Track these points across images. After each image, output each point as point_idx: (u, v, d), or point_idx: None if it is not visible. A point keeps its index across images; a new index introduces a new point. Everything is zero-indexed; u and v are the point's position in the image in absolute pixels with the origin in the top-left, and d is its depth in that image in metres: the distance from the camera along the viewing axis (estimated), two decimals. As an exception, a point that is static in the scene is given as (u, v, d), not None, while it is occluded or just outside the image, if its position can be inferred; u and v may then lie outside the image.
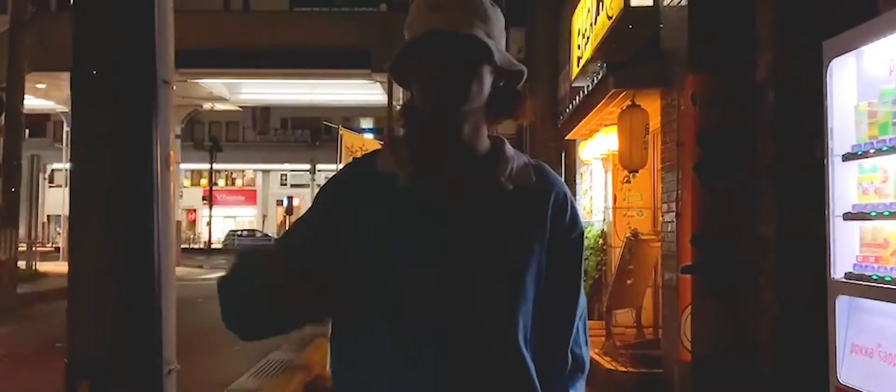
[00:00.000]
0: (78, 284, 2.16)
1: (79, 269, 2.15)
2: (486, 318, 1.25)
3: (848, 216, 2.82)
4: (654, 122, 6.34)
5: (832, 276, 2.89)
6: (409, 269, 1.24)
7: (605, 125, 7.49)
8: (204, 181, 45.17)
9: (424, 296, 1.24)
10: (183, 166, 37.32)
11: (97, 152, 2.12)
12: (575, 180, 10.45)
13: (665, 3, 5.85)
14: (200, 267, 25.30)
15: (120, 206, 2.10)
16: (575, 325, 1.36)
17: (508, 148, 1.36)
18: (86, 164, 2.14)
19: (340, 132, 6.72)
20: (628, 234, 7.17)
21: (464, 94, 1.27)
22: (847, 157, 2.82)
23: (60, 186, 32.33)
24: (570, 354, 1.35)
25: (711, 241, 4.76)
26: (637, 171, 6.53)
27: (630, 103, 6.30)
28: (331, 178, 1.40)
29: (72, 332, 2.15)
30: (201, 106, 28.67)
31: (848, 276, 2.81)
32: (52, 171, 37.82)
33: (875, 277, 2.63)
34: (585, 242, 4.84)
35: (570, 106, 9.04)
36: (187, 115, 28.65)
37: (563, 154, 10.59)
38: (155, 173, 2.11)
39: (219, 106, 30.56)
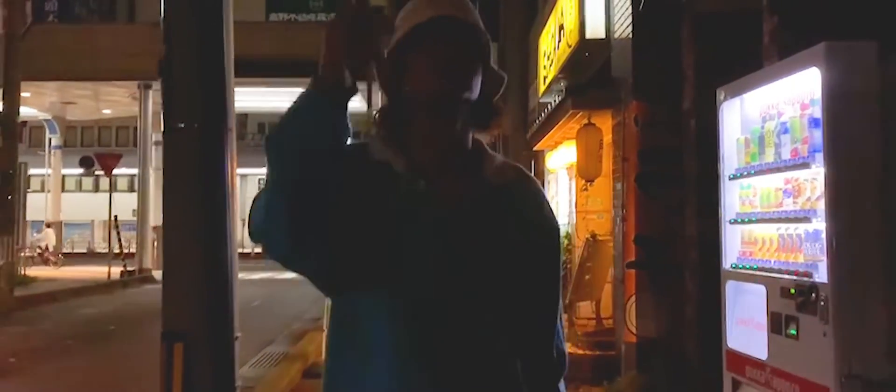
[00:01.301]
0: (171, 273, 3.01)
1: (171, 262, 3.00)
2: (475, 309, 1.27)
3: (733, 222, 3.75)
4: (609, 137, 7.28)
5: (723, 266, 3.82)
6: (404, 254, 1.26)
7: (567, 139, 8.42)
8: (182, 185, 45.45)
9: (417, 285, 1.25)
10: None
11: (184, 178, 2.98)
12: (543, 187, 11.40)
13: (615, 36, 6.78)
14: (183, 270, 25.88)
15: (201, 217, 2.96)
16: (558, 322, 1.38)
17: (487, 149, 1.40)
18: (176, 190, 2.99)
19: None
20: (587, 236, 8.11)
21: (468, 78, 1.29)
22: (732, 177, 3.75)
23: (37, 191, 32.52)
24: (555, 351, 1.38)
25: (650, 240, 5.71)
26: (593, 181, 7.45)
27: (586, 122, 7.23)
28: None
29: (166, 308, 3.00)
30: (183, 112, 29.20)
31: (733, 266, 3.75)
32: (28, 176, 37.92)
33: (748, 267, 3.57)
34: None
35: (538, 119, 9.98)
36: (169, 122, 29.13)
37: (533, 162, 11.53)
38: (227, 192, 2.98)
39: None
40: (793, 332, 3.10)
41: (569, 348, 1.50)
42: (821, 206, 2.92)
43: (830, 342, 2.84)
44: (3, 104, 14.57)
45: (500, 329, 1.28)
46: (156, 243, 25.24)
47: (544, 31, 9.65)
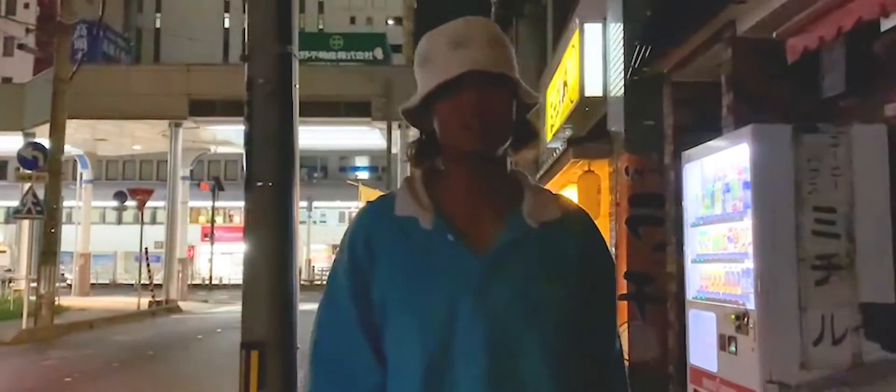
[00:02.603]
0: (249, 297, 3.90)
1: (250, 288, 3.90)
2: (523, 363, 1.17)
3: (694, 261, 4.61)
4: (607, 182, 8.15)
5: (687, 297, 4.68)
6: (439, 315, 1.18)
7: (570, 183, 9.30)
8: (202, 218, 46.72)
9: (456, 342, 1.17)
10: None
11: (261, 224, 3.89)
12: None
13: (611, 95, 7.70)
14: (206, 301, 26.92)
15: (273, 253, 3.86)
16: (618, 362, 1.30)
17: (530, 182, 1.30)
18: (255, 233, 3.90)
19: (360, 188, 8.48)
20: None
21: (503, 135, 1.23)
22: (693, 225, 4.62)
23: (64, 223, 33.59)
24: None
25: (637, 275, 6.56)
26: (592, 222, 8.30)
27: (587, 169, 8.12)
28: (352, 231, 1.28)
29: (245, 323, 3.88)
30: (209, 149, 30.39)
31: (694, 298, 4.60)
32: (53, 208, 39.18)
33: (704, 298, 4.42)
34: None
35: (546, 163, 10.89)
36: (196, 158, 30.34)
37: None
38: (293, 234, 3.88)
39: (222, 148, 32.38)
40: (733, 349, 3.95)
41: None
42: (751, 249, 3.79)
43: (757, 355, 3.69)
44: (50, 143, 15.68)
45: (547, 373, 1.17)
46: (181, 275, 26.27)
47: (551, 84, 10.60)
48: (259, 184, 3.90)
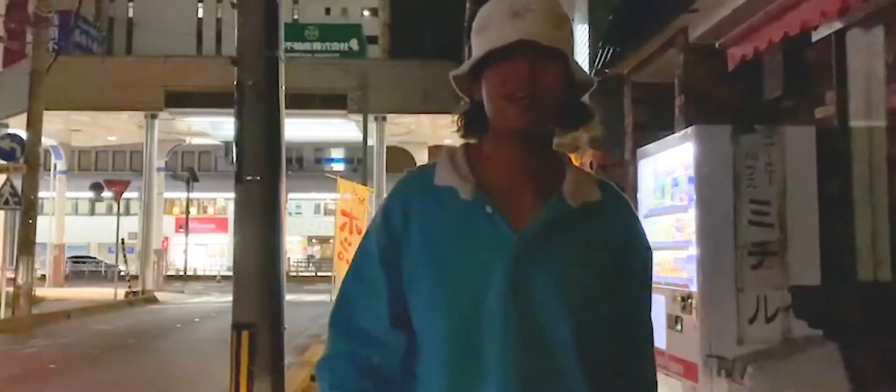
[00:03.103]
0: (240, 282, 4.26)
1: (240, 274, 4.25)
2: (552, 342, 1.16)
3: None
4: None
5: (641, 282, 5.11)
6: (471, 285, 1.17)
7: (540, 176, 9.75)
8: (176, 209, 46.66)
9: (486, 314, 1.16)
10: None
11: (251, 216, 4.24)
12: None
13: (577, 93, 8.11)
14: (182, 292, 27.06)
15: (262, 242, 4.21)
16: (651, 350, 1.30)
17: (573, 163, 1.28)
18: (245, 224, 4.25)
19: (338, 181, 8.82)
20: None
21: (550, 111, 1.20)
22: (646, 216, 5.04)
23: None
24: (648, 381, 1.28)
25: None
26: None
27: (554, 163, 8.55)
28: (390, 198, 1.27)
29: (236, 306, 4.24)
30: (184, 140, 30.42)
31: (648, 282, 5.02)
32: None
33: (655, 282, 4.84)
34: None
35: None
36: (171, 149, 30.35)
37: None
38: (281, 225, 4.24)
39: (196, 139, 32.38)
40: (679, 327, 4.38)
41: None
42: (694, 237, 4.21)
43: (699, 333, 4.12)
44: (27, 134, 15.77)
45: (579, 358, 1.17)
46: (157, 266, 26.34)
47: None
48: (248, 178, 4.25)
